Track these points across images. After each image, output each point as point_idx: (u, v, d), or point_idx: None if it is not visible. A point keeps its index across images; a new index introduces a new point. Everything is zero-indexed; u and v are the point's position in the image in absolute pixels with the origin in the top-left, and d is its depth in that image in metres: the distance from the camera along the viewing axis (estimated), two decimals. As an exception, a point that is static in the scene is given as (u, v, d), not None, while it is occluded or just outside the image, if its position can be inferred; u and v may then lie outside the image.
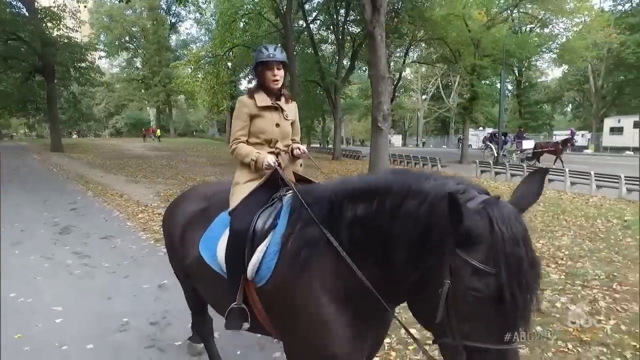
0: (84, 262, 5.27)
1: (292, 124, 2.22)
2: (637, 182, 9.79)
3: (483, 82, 25.73)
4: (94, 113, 48.54)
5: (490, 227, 1.15)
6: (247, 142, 2.12)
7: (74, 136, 51.84)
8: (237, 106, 2.11)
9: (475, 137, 41.85)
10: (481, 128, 41.38)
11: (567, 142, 18.39)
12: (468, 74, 21.57)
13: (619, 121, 30.26)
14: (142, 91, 46.30)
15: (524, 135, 21.58)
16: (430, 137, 53.83)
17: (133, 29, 43.63)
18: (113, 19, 41.33)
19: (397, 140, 49.88)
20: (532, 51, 22.48)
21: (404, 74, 44.83)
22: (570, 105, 50.36)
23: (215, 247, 1.96)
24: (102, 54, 41.65)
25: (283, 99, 2.15)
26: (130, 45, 44.95)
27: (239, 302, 1.85)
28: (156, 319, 3.69)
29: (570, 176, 12.00)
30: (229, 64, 20.23)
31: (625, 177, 10.27)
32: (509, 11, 22.02)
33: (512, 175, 14.00)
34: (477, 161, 16.53)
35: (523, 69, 37.08)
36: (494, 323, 1.15)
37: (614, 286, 4.38)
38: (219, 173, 15.06)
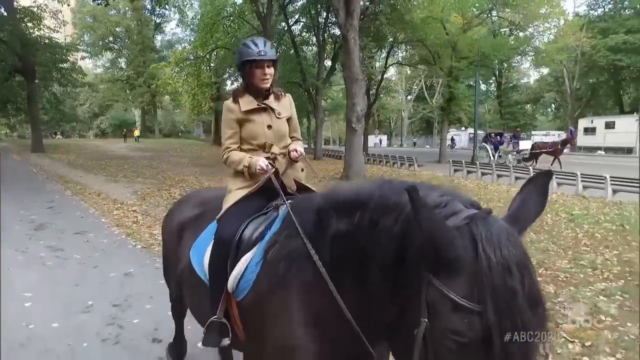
0: (57, 254, 5.56)
1: (289, 120, 2.05)
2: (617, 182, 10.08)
3: (466, 83, 26.56)
4: (78, 114, 48.09)
5: (473, 249, 0.93)
6: (240, 150, 1.97)
7: (58, 137, 51.25)
8: (223, 112, 1.97)
9: (458, 137, 42.81)
10: (463, 128, 42.33)
11: (567, 143, 17.75)
12: (446, 75, 22.22)
13: (592, 122, 31.35)
14: (127, 92, 46.09)
15: (521, 135, 20.88)
16: (415, 137, 54.70)
17: (117, 29, 43.39)
18: (96, 19, 41.07)
19: (382, 140, 50.51)
20: (508, 54, 23.27)
21: (388, 75, 45.80)
22: (552, 105, 51.80)
23: (203, 254, 1.86)
24: (85, 54, 41.32)
25: (272, 97, 1.98)
26: (115, 46, 44.69)
27: (220, 316, 1.70)
28: (119, 302, 4.03)
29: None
30: (211, 65, 20.48)
31: (581, 175, 10.89)
32: (484, 15, 22.73)
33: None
34: (450, 160, 17.10)
35: (503, 71, 38.18)
36: None
37: (540, 271, 4.86)
38: (199, 173, 15.33)
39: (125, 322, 3.64)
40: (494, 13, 23.23)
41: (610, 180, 10.03)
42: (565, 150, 18.58)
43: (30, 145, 24.61)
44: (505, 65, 35.73)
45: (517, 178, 12.76)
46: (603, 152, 27.92)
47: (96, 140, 44.18)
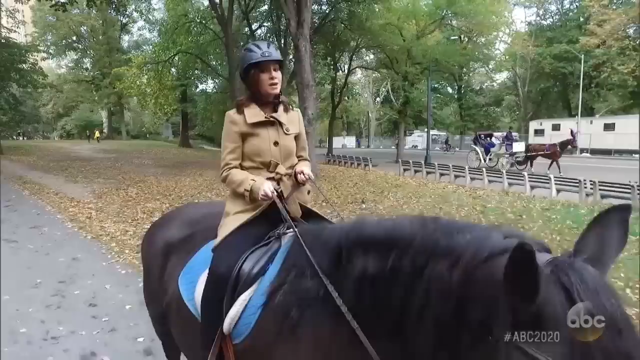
0: (11, 245, 6.15)
1: (297, 137, 1.83)
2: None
3: (431, 86, 27.94)
4: (40, 114, 46.91)
5: (570, 304, 0.77)
6: (241, 167, 1.76)
7: (21, 138, 49.70)
8: (225, 124, 1.75)
9: (421, 138, 44.62)
10: (426, 129, 44.17)
11: (567, 145, 15.75)
12: (402, 80, 23.53)
13: (540, 124, 33.66)
14: (93, 92, 45.36)
15: (514, 136, 19.12)
16: (383, 138, 56.42)
17: (81, 28, 42.67)
18: (58, 18, 40.18)
19: (350, 141, 51.78)
20: (459, 60, 24.82)
21: (356, 77, 47.19)
22: (514, 108, 54.85)
23: (194, 286, 1.66)
24: (46, 55, 40.37)
25: (281, 108, 1.77)
26: (79, 46, 43.89)
27: (212, 359, 1.53)
28: (64, 279, 4.74)
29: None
30: (172, 69, 20.95)
31: (526, 175, 12.13)
32: (437, 23, 24.19)
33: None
34: (400, 160, 18.30)
35: (463, 75, 40.26)
36: None
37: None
38: (161, 174, 15.81)
39: (68, 293, 4.37)
40: (447, 22, 24.70)
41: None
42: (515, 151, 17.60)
43: (-12, 147, 24.17)
44: (465, 69, 37.84)
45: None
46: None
47: (60, 141, 43.28)
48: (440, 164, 15.52)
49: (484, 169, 13.17)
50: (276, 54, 1.69)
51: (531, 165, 16.46)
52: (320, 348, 1.23)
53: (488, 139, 19.21)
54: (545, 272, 0.81)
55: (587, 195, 9.79)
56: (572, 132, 16.44)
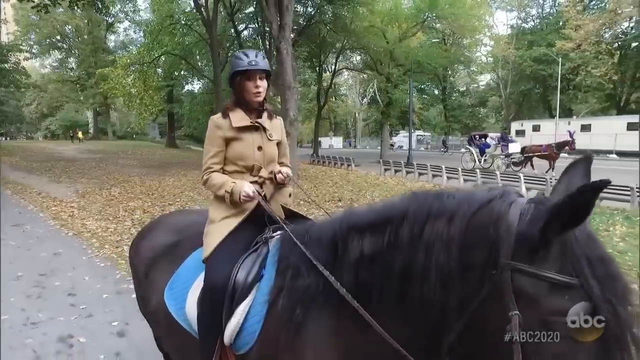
0: (-7, 242, 6.36)
1: (279, 144, 1.88)
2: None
3: (417, 87, 28.48)
4: (24, 114, 46.34)
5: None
6: (224, 171, 1.79)
7: (3, 139, 48.97)
8: (209, 128, 1.77)
9: (406, 139, 45.27)
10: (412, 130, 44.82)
11: (565, 146, 15.17)
12: (385, 81, 24.04)
13: (521, 125, 34.56)
14: (78, 92, 44.95)
15: (509, 137, 18.96)
16: (370, 138, 57.10)
17: (65, 28, 42.25)
18: (42, 17, 39.78)
19: (337, 142, 52.24)
20: (441, 62, 25.43)
21: (343, 78, 47.72)
22: (499, 109, 56.03)
23: (184, 299, 1.63)
24: (29, 55, 39.89)
25: (265, 115, 1.82)
26: (63, 45, 43.45)
27: None
28: (45, 272, 5.00)
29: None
30: (158, 70, 21.09)
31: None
32: (419, 26, 24.78)
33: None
34: (381, 160, 18.76)
35: (447, 77, 41.05)
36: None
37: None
38: (145, 174, 15.94)
39: (48, 284, 4.64)
40: (429, 25, 25.31)
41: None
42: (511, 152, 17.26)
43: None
44: (450, 71, 38.66)
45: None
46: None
47: (45, 142, 42.82)
48: (419, 163, 16.01)
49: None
50: (263, 64, 1.73)
51: (532, 167, 16.08)
52: (330, 342, 1.23)
53: (483, 139, 18.99)
54: (525, 205, 0.95)
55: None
56: (570, 133, 15.92)
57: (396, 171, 16.75)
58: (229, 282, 1.49)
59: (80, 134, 39.66)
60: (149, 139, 50.40)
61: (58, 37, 42.57)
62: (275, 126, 1.86)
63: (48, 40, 41.51)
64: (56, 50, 43.37)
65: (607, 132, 26.99)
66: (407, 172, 16.22)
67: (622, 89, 32.27)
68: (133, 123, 56.80)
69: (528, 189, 10.69)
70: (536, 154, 15.77)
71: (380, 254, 1.14)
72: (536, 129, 32.92)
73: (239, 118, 1.75)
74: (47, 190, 11.53)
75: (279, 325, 1.32)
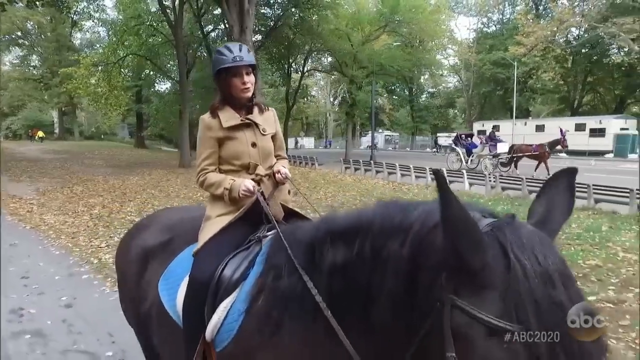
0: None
1: (274, 137, 1.83)
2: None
3: (389, 88, 29.21)
4: (-19, 113, 44.67)
5: (504, 257, 0.78)
6: (219, 171, 1.76)
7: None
8: (200, 129, 1.74)
9: (377, 139, 46.53)
10: (380, 130, 46.15)
11: (557, 145, 14.75)
12: (349, 83, 24.90)
13: (482, 125, 36.31)
14: (42, 91, 43.71)
15: (497, 137, 18.12)
16: (342, 138, 58.16)
17: (27, 24, 40.99)
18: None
19: (309, 142, 52.90)
20: (403, 64, 26.52)
21: (313, 80, 48.52)
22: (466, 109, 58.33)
23: (176, 291, 1.63)
24: (-13, 51, 38.61)
25: (256, 109, 1.77)
26: (25, 42, 42.15)
27: None
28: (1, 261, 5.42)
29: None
30: (122, 70, 21.14)
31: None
32: (381, 30, 25.76)
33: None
34: (342, 159, 19.60)
35: (417, 79, 42.55)
36: None
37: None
38: (110, 173, 16.13)
39: (3, 271, 5.06)
40: (392, 29, 26.32)
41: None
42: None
43: None
44: (417, 73, 40.10)
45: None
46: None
47: (5, 142, 41.44)
48: (376, 162, 16.91)
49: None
50: (248, 58, 1.67)
51: (516, 167, 15.49)
52: (302, 346, 1.22)
53: (469, 139, 18.38)
54: (484, 229, 0.83)
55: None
56: (561, 131, 15.32)
57: (356, 169, 17.59)
58: (214, 278, 1.48)
59: (40, 134, 38.68)
60: (118, 139, 49.61)
61: (19, 34, 41.26)
62: (268, 120, 1.80)
63: (7, 36, 40.17)
64: (17, 47, 42.04)
65: (559, 132, 28.93)
66: (366, 170, 17.08)
67: (575, 92, 34.58)
68: (100, 123, 55.89)
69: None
70: (526, 154, 15.15)
71: (351, 264, 1.13)
72: (496, 129, 34.74)
73: (229, 117, 1.71)
74: (5, 189, 11.63)
75: (255, 325, 1.32)
